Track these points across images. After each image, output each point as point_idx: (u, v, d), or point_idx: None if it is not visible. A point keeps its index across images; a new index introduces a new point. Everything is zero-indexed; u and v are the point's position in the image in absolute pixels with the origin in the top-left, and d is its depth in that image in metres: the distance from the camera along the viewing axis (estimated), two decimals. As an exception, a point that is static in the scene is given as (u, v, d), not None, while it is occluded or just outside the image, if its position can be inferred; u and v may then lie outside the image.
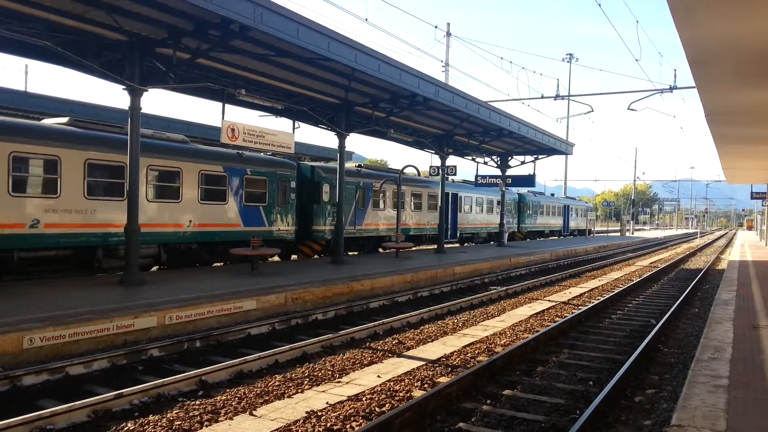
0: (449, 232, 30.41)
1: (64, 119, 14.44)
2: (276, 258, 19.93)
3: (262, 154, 18.95)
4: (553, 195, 54.11)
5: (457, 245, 31.60)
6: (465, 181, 33.59)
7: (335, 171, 19.69)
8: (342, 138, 18.83)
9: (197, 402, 6.44)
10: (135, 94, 12.60)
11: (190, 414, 6.03)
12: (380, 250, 24.72)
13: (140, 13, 11.20)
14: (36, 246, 13.03)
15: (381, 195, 24.69)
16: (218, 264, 17.80)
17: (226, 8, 10.73)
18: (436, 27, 31.85)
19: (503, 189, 30.71)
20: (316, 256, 21.97)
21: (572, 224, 51.54)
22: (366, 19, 20.23)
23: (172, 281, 13.24)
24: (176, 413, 6.06)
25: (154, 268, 16.29)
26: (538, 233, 43.81)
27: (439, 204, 26.37)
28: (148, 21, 11.63)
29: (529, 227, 41.35)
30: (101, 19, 11.38)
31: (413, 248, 25.54)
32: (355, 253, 23.96)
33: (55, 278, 13.30)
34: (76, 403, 6.14)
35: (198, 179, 16.43)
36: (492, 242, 34.60)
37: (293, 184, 19.90)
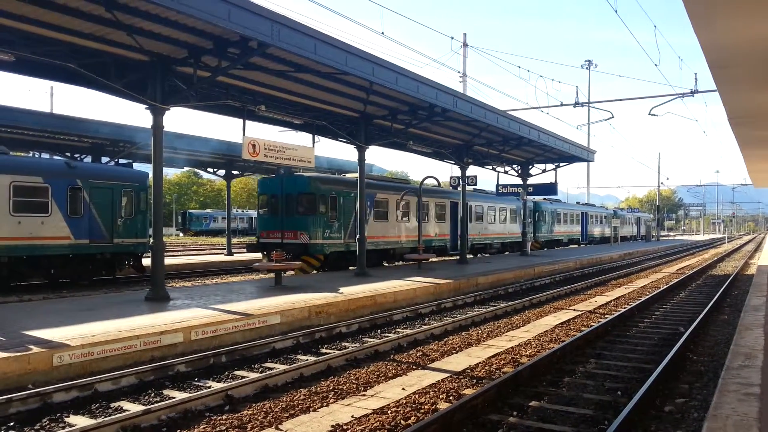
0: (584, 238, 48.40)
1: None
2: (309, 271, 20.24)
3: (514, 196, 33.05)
4: (630, 209, 77.27)
5: (578, 246, 46.64)
6: (579, 203, 51.57)
7: (545, 202, 39.11)
8: (361, 151, 18.92)
9: (224, 417, 6.48)
10: (157, 113, 12.79)
11: (217, 429, 6.07)
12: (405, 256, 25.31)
13: (160, 33, 11.42)
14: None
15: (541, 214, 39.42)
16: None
17: (244, 26, 10.90)
18: (452, 38, 31.93)
19: (524, 198, 30.60)
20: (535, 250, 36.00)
21: (643, 231, 71.04)
22: (382, 33, 20.37)
23: (198, 297, 13.35)
24: (203, 428, 6.11)
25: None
26: (624, 238, 61.24)
27: (460, 215, 26.26)
28: (168, 40, 11.85)
29: (619, 234, 59.27)
30: (122, 40, 11.62)
31: (434, 259, 25.59)
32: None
33: (81, 293, 13.50)
34: (105, 419, 6.21)
35: (502, 212, 33.99)
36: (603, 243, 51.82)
37: (530, 210, 35.63)
